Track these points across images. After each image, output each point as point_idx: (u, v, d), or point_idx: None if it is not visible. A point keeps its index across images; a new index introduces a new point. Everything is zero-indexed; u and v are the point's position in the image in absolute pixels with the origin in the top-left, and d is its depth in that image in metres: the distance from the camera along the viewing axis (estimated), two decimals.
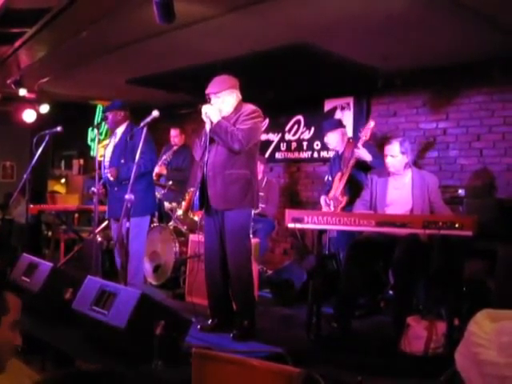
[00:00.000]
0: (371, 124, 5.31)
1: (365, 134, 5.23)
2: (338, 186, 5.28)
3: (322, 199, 5.47)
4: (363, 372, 3.36)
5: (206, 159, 4.16)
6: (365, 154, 5.13)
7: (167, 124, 7.47)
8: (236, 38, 5.09)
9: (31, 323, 4.22)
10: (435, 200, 4.38)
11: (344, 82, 6.70)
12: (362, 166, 5.23)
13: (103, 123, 7.37)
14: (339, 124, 5.79)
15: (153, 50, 5.55)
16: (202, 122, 4.16)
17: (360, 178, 5.28)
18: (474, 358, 1.15)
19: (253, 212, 4.30)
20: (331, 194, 5.34)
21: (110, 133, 5.46)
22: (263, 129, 7.71)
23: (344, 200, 5.21)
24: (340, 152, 5.61)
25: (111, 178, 4.96)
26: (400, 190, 4.49)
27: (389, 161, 4.49)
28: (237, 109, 4.16)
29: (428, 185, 4.41)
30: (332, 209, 5.26)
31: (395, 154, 4.45)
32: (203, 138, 4.19)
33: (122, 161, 4.97)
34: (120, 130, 5.17)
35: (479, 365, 1.13)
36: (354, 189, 5.28)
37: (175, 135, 7.33)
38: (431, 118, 6.24)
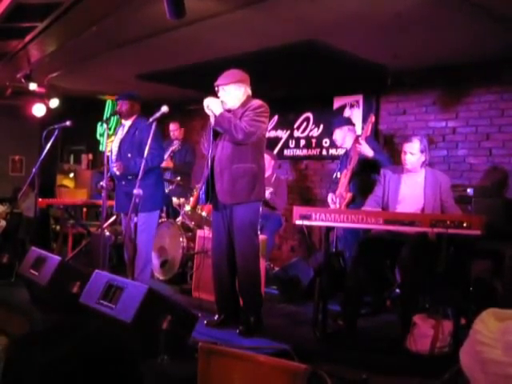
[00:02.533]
0: (372, 119, 5.32)
1: (365, 129, 5.24)
2: (343, 182, 5.29)
3: (329, 197, 5.47)
4: (368, 370, 3.36)
5: (212, 154, 4.17)
6: (366, 150, 5.13)
7: (176, 119, 7.49)
8: (246, 34, 5.09)
9: (39, 316, 4.26)
10: (446, 199, 4.37)
11: (353, 79, 6.69)
12: (366, 164, 5.22)
13: (112, 118, 7.42)
14: (347, 121, 5.78)
15: (162, 45, 5.55)
16: (209, 118, 4.17)
17: (365, 176, 5.28)
18: (478, 356, 1.14)
19: (261, 207, 4.31)
20: (338, 191, 5.34)
21: (120, 123, 5.48)
22: (270, 124, 7.75)
23: (347, 196, 5.20)
24: (348, 149, 5.61)
25: (117, 173, 4.98)
26: (412, 187, 4.47)
27: (407, 158, 4.46)
28: (244, 104, 4.16)
29: (440, 184, 4.40)
30: (337, 206, 5.26)
31: (414, 152, 4.43)
32: (208, 132, 4.21)
33: (129, 155, 4.98)
34: (128, 123, 5.17)
35: (483, 363, 1.13)
36: (358, 186, 5.29)
37: (175, 129, 7.36)
38: (440, 117, 6.21)
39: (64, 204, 7.21)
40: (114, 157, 5.15)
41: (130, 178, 4.90)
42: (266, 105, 4.17)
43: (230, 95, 4.16)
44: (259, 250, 4.30)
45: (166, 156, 7.01)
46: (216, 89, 4.21)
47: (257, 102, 4.15)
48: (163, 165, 6.75)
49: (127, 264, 5.13)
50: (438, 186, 4.39)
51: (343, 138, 5.61)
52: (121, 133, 5.21)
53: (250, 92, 4.26)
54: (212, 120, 4.12)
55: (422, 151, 4.43)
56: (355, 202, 5.17)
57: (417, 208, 4.39)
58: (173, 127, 7.36)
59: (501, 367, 1.05)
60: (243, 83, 4.21)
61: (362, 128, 5.33)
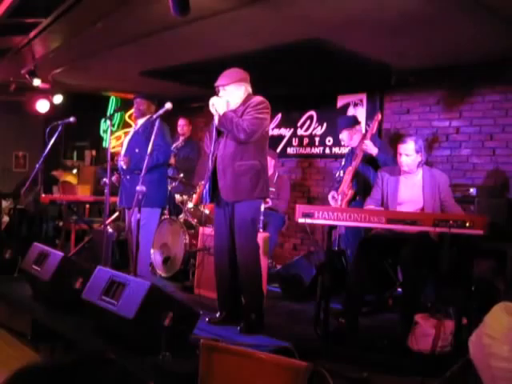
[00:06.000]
0: (378, 116, 5.32)
1: (372, 127, 5.23)
2: (346, 179, 5.29)
3: (330, 195, 5.47)
4: (369, 368, 3.38)
5: (215, 152, 4.18)
6: (371, 148, 5.13)
7: (186, 115, 7.51)
8: (250, 32, 5.08)
9: (41, 311, 4.27)
10: (446, 199, 4.37)
11: (357, 78, 6.68)
12: (370, 161, 5.22)
13: (116, 114, 7.43)
14: (354, 121, 5.73)
15: (167, 42, 5.55)
16: (213, 116, 4.18)
17: (368, 173, 5.28)
18: (486, 349, 1.16)
19: (263, 204, 4.31)
20: (340, 188, 5.34)
21: (134, 120, 5.57)
22: (274, 122, 7.79)
23: (350, 193, 5.20)
24: (354, 147, 5.58)
25: (124, 166, 5.07)
26: (411, 188, 4.47)
27: (403, 160, 4.45)
28: (245, 101, 4.16)
29: (439, 183, 4.39)
30: (339, 203, 5.26)
31: (410, 153, 4.41)
32: (211, 131, 4.22)
33: (137, 150, 5.05)
34: (141, 121, 5.30)
35: (490, 356, 1.14)
36: (360, 184, 5.29)
37: (183, 124, 7.39)
38: (444, 116, 6.21)
39: (67, 200, 7.21)
40: (123, 152, 5.28)
41: (135, 172, 4.96)
42: (267, 101, 4.16)
43: (231, 95, 4.16)
44: (259, 247, 4.30)
45: None
46: (216, 89, 4.21)
47: (257, 99, 4.14)
48: None
49: (131, 259, 5.16)
50: (437, 186, 4.38)
51: (350, 137, 5.59)
52: (133, 130, 5.33)
53: (250, 90, 4.25)
54: (216, 119, 4.13)
55: (417, 152, 4.41)
56: (357, 200, 5.17)
57: (416, 208, 4.39)
58: (181, 122, 7.40)
59: (506, 362, 1.06)
60: (243, 82, 4.20)
61: (368, 125, 5.32)
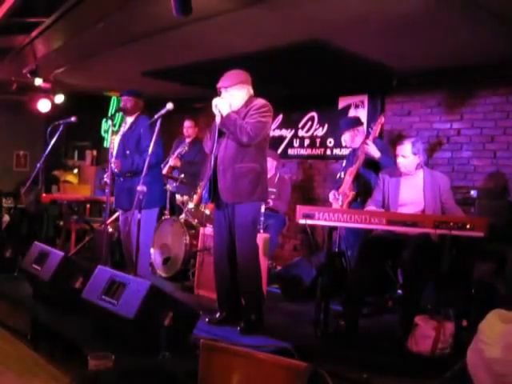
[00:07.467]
0: (382, 119, 5.31)
1: (374, 130, 5.23)
2: (347, 180, 5.28)
3: (331, 194, 5.46)
4: (369, 370, 3.37)
5: (215, 153, 4.18)
6: (373, 150, 5.11)
7: (181, 117, 7.49)
8: (252, 33, 5.08)
9: (41, 311, 4.27)
10: (447, 201, 4.37)
11: (358, 80, 6.68)
12: (371, 164, 5.21)
13: (117, 114, 7.42)
14: (356, 122, 5.71)
15: (168, 42, 5.56)
16: (214, 116, 4.18)
17: (368, 176, 5.27)
18: (481, 354, 1.17)
19: (263, 206, 4.31)
20: (341, 189, 5.34)
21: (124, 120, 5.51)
22: (275, 124, 7.79)
23: (351, 195, 5.19)
24: (356, 149, 5.56)
25: (116, 170, 5.01)
26: (412, 190, 4.47)
27: (400, 161, 4.47)
28: (247, 103, 4.16)
29: (440, 185, 4.39)
30: (340, 203, 5.25)
31: (407, 155, 4.42)
32: (213, 131, 4.22)
33: (127, 152, 5.02)
34: (130, 120, 5.19)
35: (485, 361, 1.15)
36: (361, 185, 5.28)
37: (189, 126, 7.35)
38: (445, 118, 6.20)
39: (67, 199, 7.22)
40: (114, 153, 5.18)
41: (128, 175, 4.95)
42: (269, 104, 4.17)
43: (233, 97, 4.16)
44: (258, 248, 4.30)
45: (174, 155, 7.06)
46: (218, 91, 4.21)
47: (260, 102, 4.14)
48: (171, 164, 6.82)
49: (126, 260, 5.15)
50: (438, 188, 4.38)
51: (352, 138, 5.56)
52: (123, 130, 5.25)
53: (252, 91, 4.25)
54: (218, 120, 4.12)
55: (414, 153, 4.42)
56: (358, 201, 5.17)
57: (417, 210, 4.39)
58: (187, 124, 7.36)
59: (500, 365, 1.07)
60: (245, 83, 4.21)
61: (371, 128, 5.30)
